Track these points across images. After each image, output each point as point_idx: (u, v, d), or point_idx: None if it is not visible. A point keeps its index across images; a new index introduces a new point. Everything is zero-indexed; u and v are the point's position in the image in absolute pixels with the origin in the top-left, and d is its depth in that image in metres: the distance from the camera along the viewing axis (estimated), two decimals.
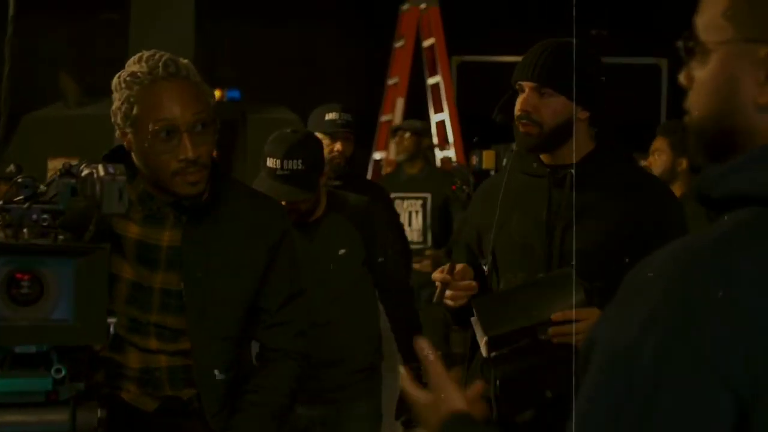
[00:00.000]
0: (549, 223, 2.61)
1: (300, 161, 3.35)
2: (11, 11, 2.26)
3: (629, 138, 8.16)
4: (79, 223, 1.71)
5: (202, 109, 2.25)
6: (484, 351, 2.43)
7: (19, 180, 1.72)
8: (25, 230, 1.65)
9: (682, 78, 1.28)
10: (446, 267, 2.59)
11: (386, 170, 8.55)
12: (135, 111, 2.24)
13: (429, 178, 6.45)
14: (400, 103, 9.56)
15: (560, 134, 2.63)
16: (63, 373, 1.61)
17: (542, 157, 2.70)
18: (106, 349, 2.30)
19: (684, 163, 4.66)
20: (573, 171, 2.61)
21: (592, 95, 2.66)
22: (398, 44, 9.76)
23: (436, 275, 2.60)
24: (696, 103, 1.26)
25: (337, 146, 4.30)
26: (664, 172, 4.70)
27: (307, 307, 2.55)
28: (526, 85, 2.64)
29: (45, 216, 1.68)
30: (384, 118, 9.60)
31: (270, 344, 2.46)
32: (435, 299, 2.62)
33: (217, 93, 9.62)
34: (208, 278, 2.33)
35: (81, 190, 1.73)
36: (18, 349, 1.63)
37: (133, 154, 2.33)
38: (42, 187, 1.74)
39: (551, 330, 2.38)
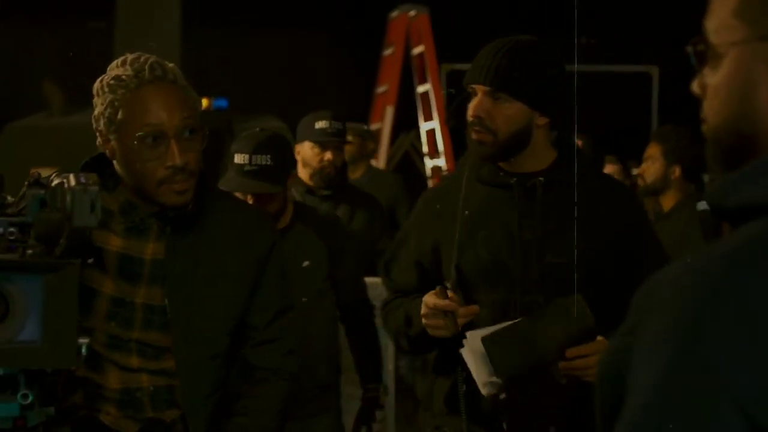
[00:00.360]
0: (522, 238, 2.43)
1: (268, 157, 3.28)
2: None
3: (621, 146, 8.09)
4: (50, 237, 1.62)
5: (189, 114, 2.17)
6: (488, 390, 2.30)
7: None
8: None
9: (695, 87, 1.20)
10: (438, 291, 2.39)
11: None
12: (120, 116, 2.15)
13: (372, 183, 6.29)
14: (389, 112, 9.48)
15: (517, 142, 2.46)
16: (30, 398, 1.51)
17: (502, 165, 2.52)
18: (83, 369, 2.19)
19: (677, 171, 4.58)
20: (542, 180, 2.46)
21: (551, 100, 2.49)
22: (387, 52, 9.69)
23: (439, 302, 2.37)
24: (711, 111, 1.18)
25: (327, 155, 4.21)
26: (656, 180, 4.62)
27: (295, 324, 2.45)
28: (479, 89, 2.46)
29: (12, 229, 1.58)
30: (373, 126, 9.52)
31: (259, 363, 2.35)
32: (443, 331, 2.38)
33: (205, 102, 9.54)
34: (193, 293, 2.23)
35: (51, 201, 1.64)
36: None
37: (115, 163, 2.23)
38: (9, 199, 1.64)
39: (563, 366, 2.26)
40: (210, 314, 2.26)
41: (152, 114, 2.13)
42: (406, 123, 9.76)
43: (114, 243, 2.23)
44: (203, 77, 9.60)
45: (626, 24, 12.52)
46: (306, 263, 3.40)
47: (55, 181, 1.71)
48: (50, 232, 1.61)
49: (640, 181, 4.83)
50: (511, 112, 2.44)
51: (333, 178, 4.30)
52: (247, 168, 3.24)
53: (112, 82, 2.16)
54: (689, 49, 1.19)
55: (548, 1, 12.63)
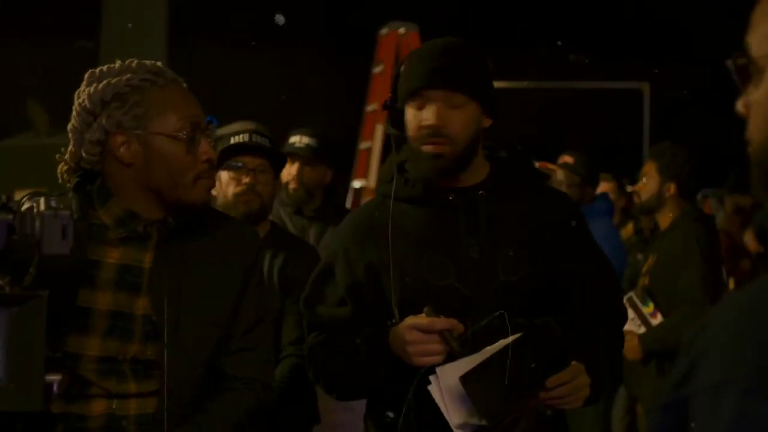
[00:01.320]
0: (470, 258, 2.23)
1: (268, 140, 3.28)
2: None
3: (612, 163, 8.02)
4: (18, 266, 1.51)
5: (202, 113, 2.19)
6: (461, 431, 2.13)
7: None
8: None
9: (739, 106, 1.10)
10: (429, 310, 2.16)
11: (366, 199, 8.38)
12: (152, 112, 2.11)
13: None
14: (379, 130, 9.40)
15: (471, 150, 2.27)
16: None
17: (434, 180, 2.30)
18: (61, 404, 2.07)
19: (672, 188, 4.51)
20: (483, 193, 2.27)
21: (495, 99, 2.31)
22: (377, 70, 9.61)
23: (438, 322, 2.14)
24: (755, 130, 1.08)
25: (292, 169, 4.08)
26: (651, 197, 4.55)
27: (271, 333, 2.37)
28: (433, 95, 2.23)
29: None
30: (363, 145, 9.43)
31: (234, 372, 2.24)
32: (435, 357, 2.15)
33: None
34: (181, 302, 2.15)
35: (20, 227, 1.53)
36: None
37: (117, 174, 2.15)
38: None
39: (543, 396, 2.13)
40: (197, 324, 2.18)
41: (190, 106, 2.14)
42: (396, 142, 9.68)
43: (112, 255, 2.17)
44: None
45: (617, 41, 12.50)
46: None
47: (26, 205, 1.61)
48: (19, 260, 1.50)
49: (635, 198, 4.76)
50: (466, 116, 2.24)
51: (301, 196, 4.16)
52: (247, 144, 3.25)
53: (134, 83, 2.12)
54: (729, 64, 1.09)
55: (538, 19, 12.61)
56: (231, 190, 3.26)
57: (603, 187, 6.30)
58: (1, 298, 1.39)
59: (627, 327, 4.35)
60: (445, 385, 2.11)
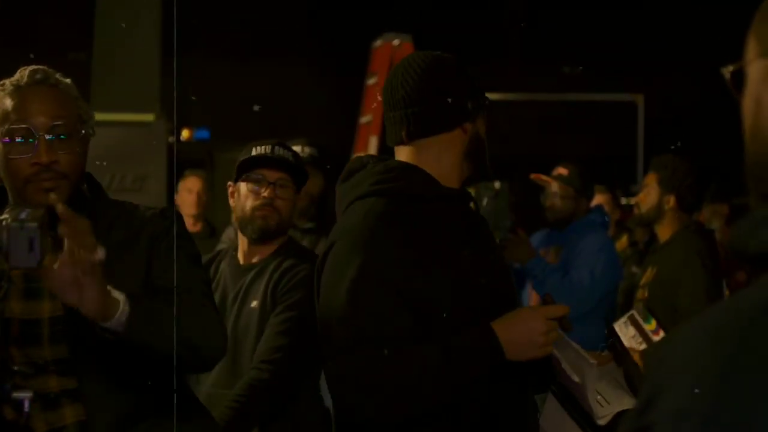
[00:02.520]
0: (499, 257, 2.34)
1: (291, 154, 3.19)
2: None
3: (606, 175, 7.99)
4: None
5: (64, 115, 2.16)
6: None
7: None
8: None
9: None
10: (548, 296, 2.24)
11: None
12: None
13: None
14: (373, 142, 9.37)
15: None
16: None
17: (444, 180, 2.37)
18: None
19: (672, 201, 4.48)
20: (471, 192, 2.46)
21: None
22: (371, 81, 9.59)
23: (561, 307, 2.18)
24: (745, 137, 1.06)
25: None
26: (651, 209, 4.52)
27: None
28: None
29: None
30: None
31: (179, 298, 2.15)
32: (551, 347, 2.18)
33: (186, 133, 9.42)
34: None
35: None
36: None
37: None
38: None
39: None
40: None
41: (21, 111, 2.13)
42: (390, 153, 9.66)
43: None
44: (184, 108, 9.49)
45: (611, 53, 12.50)
46: (254, 303, 3.18)
47: (2, 216, 1.57)
48: None
49: (635, 210, 4.74)
50: None
51: (308, 208, 4.11)
52: (269, 156, 3.20)
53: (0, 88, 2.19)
54: (724, 72, 1.08)
55: (531, 31, 12.61)
56: (249, 203, 3.15)
57: (597, 199, 6.27)
58: None
59: (628, 344, 4.32)
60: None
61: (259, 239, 3.18)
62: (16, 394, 1.37)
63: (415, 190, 2.26)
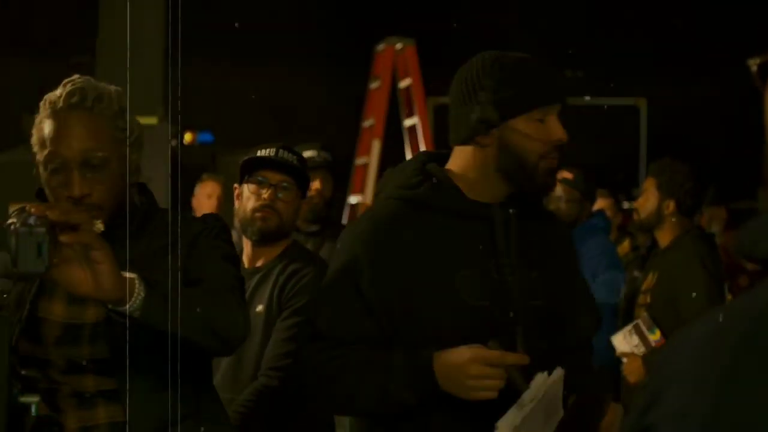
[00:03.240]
0: (502, 278, 2.12)
1: (296, 157, 3.14)
2: None
3: (609, 179, 7.98)
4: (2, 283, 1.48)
5: (97, 145, 2.11)
6: None
7: None
8: None
9: None
10: (493, 344, 2.01)
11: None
12: (35, 141, 2.14)
13: None
14: (376, 146, 9.38)
15: None
16: None
17: (471, 192, 2.17)
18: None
19: (671, 206, 4.45)
20: (516, 211, 2.15)
21: None
22: (374, 85, 9.59)
23: (509, 356, 2.01)
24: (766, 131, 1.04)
25: (316, 184, 3.98)
26: (650, 215, 4.49)
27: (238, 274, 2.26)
28: (554, 110, 2.15)
29: None
30: (360, 161, 9.41)
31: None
32: (490, 392, 2.01)
33: (189, 136, 9.44)
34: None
35: (2, 243, 1.50)
36: None
37: None
38: None
39: None
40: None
41: (56, 141, 2.10)
42: (394, 157, 9.67)
43: None
44: (187, 111, 9.49)
45: (614, 56, 12.49)
46: (260, 308, 3.18)
47: (10, 220, 1.58)
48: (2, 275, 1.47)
49: (635, 215, 4.71)
50: None
51: (321, 210, 4.11)
52: (274, 159, 3.12)
53: (41, 107, 2.15)
54: (751, 64, 1.04)
55: (536, 34, 12.60)
56: (250, 204, 3.15)
57: (599, 203, 6.26)
58: None
59: (628, 351, 4.31)
60: None
61: (259, 241, 3.17)
62: (24, 399, 1.38)
63: (426, 200, 2.17)
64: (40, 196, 2.19)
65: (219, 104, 11.72)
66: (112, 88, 2.19)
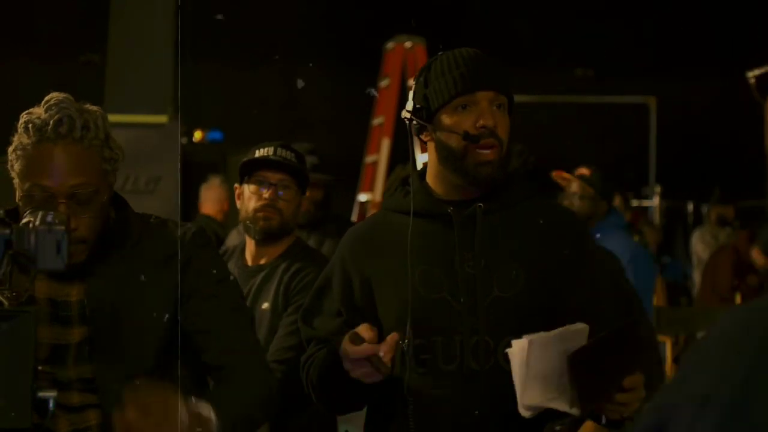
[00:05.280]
0: (464, 272, 2.17)
1: (294, 155, 3.17)
2: None
3: (618, 178, 7.99)
4: (16, 281, 1.50)
5: (84, 180, 2.07)
6: (530, 414, 2.01)
7: None
8: None
9: None
10: (352, 336, 2.06)
11: (371, 212, 8.37)
12: (16, 167, 2.07)
13: None
14: (385, 144, 9.40)
15: (507, 160, 2.22)
16: None
17: (438, 193, 2.25)
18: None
19: None
20: (481, 206, 2.19)
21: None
22: (383, 83, 9.61)
23: (358, 349, 2.04)
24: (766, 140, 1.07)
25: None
26: None
27: (251, 326, 2.32)
28: (483, 97, 2.16)
29: None
30: (369, 159, 9.43)
31: (224, 362, 2.18)
32: (375, 376, 2.06)
33: (198, 134, 9.46)
34: (114, 319, 2.14)
35: (17, 242, 1.52)
36: None
37: None
38: None
39: (618, 398, 2.01)
40: (130, 335, 2.15)
41: (41, 174, 2.04)
42: (402, 155, 9.70)
43: (40, 290, 2.14)
44: (197, 110, 9.52)
45: (623, 55, 12.48)
46: (265, 305, 3.20)
47: (24, 220, 1.60)
48: (15, 275, 1.49)
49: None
50: (508, 120, 2.20)
51: (313, 215, 4.15)
52: (272, 158, 3.16)
53: (21, 128, 2.07)
54: (749, 76, 1.07)
55: (545, 33, 12.61)
56: (251, 204, 3.18)
57: None
58: None
59: None
60: (533, 358, 1.97)
61: (262, 240, 3.21)
62: (41, 394, 1.40)
63: (397, 204, 2.29)
64: (11, 215, 2.14)
65: (229, 102, 11.75)
66: (96, 111, 2.13)
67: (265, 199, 3.14)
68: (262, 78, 11.87)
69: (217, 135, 9.31)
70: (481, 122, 2.15)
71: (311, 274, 3.09)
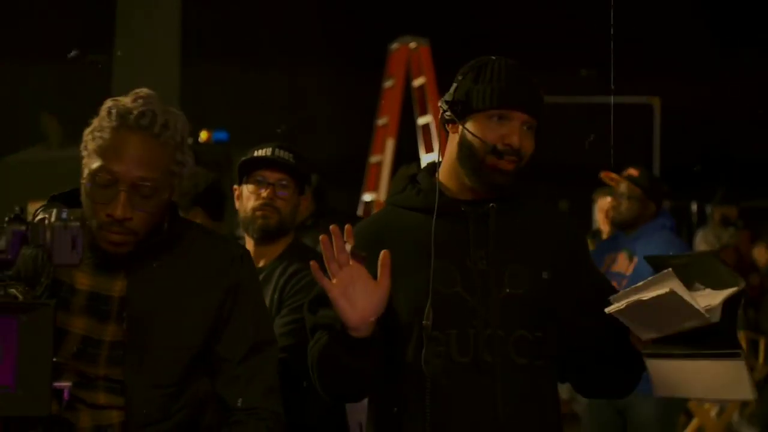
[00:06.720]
0: (477, 269, 2.28)
1: (292, 156, 3.20)
2: None
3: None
4: (30, 275, 1.55)
5: (153, 175, 2.10)
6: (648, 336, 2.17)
7: None
8: None
9: None
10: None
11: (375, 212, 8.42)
12: (90, 146, 2.10)
13: None
14: (390, 144, 9.44)
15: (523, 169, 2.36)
16: None
17: (450, 192, 2.35)
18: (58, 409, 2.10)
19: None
20: (494, 206, 2.31)
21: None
22: (388, 84, 9.66)
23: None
24: None
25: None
26: None
27: (276, 361, 2.34)
28: (516, 116, 2.30)
29: None
30: (373, 159, 9.48)
31: (234, 402, 2.22)
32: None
33: (204, 134, 9.51)
34: (152, 323, 2.16)
35: (32, 237, 1.57)
36: None
37: None
38: None
39: None
40: (165, 344, 2.18)
41: (114, 158, 2.08)
42: (407, 155, 9.73)
43: (82, 281, 2.16)
44: (203, 110, 9.57)
45: (627, 55, 12.51)
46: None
47: (39, 216, 1.65)
48: (30, 270, 1.54)
49: None
50: (532, 142, 2.34)
51: (306, 218, 4.19)
52: (270, 158, 3.19)
53: (105, 112, 2.12)
54: None
55: (549, 33, 12.64)
56: (250, 204, 3.22)
57: (610, 201, 6.30)
58: (13, 306, 1.42)
59: None
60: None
61: (261, 239, 3.24)
62: (57, 384, 1.45)
63: (408, 202, 2.38)
64: (62, 199, 2.17)
65: (234, 103, 11.80)
66: (179, 114, 2.18)
67: (264, 198, 3.18)
68: (267, 78, 11.91)
69: (222, 135, 9.36)
70: (508, 141, 2.28)
71: (307, 277, 3.13)
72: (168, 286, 2.19)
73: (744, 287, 2.17)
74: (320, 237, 2.19)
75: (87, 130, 2.14)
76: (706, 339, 2.16)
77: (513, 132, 2.29)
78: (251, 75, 12.09)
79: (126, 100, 2.13)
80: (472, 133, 2.30)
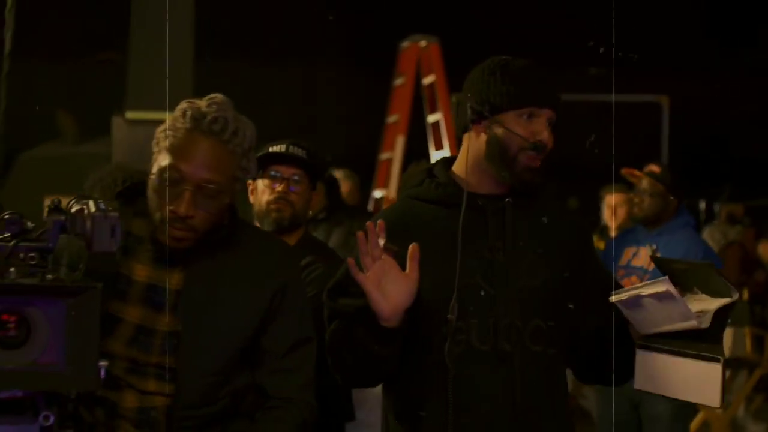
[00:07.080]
0: (495, 261, 2.38)
1: (305, 152, 3.33)
2: (7, 49, 2.20)
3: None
4: (71, 262, 1.65)
5: (219, 178, 2.21)
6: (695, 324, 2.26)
7: (6, 217, 1.66)
8: (12, 269, 1.58)
9: None
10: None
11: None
12: (162, 143, 2.22)
13: None
14: (400, 141, 9.52)
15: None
16: (51, 420, 1.53)
17: (471, 182, 2.42)
18: (101, 389, 2.21)
19: None
20: (510, 201, 2.41)
21: None
22: (398, 82, 9.73)
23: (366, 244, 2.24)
24: None
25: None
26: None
27: (314, 357, 2.44)
28: (546, 113, 2.41)
29: (33, 254, 1.61)
30: (384, 156, 9.55)
31: (274, 391, 2.35)
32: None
33: None
34: (204, 315, 2.27)
35: (71, 227, 1.67)
36: (3, 394, 1.55)
37: None
38: (29, 225, 1.68)
39: None
40: (216, 336, 2.28)
41: (184, 158, 2.19)
42: (417, 152, 9.81)
43: (140, 273, 2.27)
44: None
45: (636, 53, 12.54)
46: None
47: (75, 207, 1.74)
48: (70, 257, 1.64)
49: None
50: (552, 136, 2.43)
51: (316, 213, 4.28)
52: (284, 154, 3.32)
53: (180, 112, 2.23)
54: None
55: (559, 31, 12.68)
56: (265, 198, 3.33)
57: (617, 199, 6.37)
58: (59, 289, 1.52)
59: None
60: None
61: (275, 231, 3.34)
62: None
63: (426, 195, 2.46)
64: (124, 194, 2.29)
65: (246, 101, 11.87)
66: (249, 122, 2.28)
67: (278, 192, 3.29)
68: (279, 76, 11.97)
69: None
70: (540, 138, 2.38)
71: (318, 269, 3.23)
72: (222, 282, 2.29)
73: (737, 299, 2.30)
74: (357, 233, 2.27)
75: (159, 128, 2.25)
76: (694, 341, 2.28)
77: (543, 128, 2.39)
78: (263, 72, 12.16)
79: (201, 104, 2.24)
80: (510, 130, 2.38)
